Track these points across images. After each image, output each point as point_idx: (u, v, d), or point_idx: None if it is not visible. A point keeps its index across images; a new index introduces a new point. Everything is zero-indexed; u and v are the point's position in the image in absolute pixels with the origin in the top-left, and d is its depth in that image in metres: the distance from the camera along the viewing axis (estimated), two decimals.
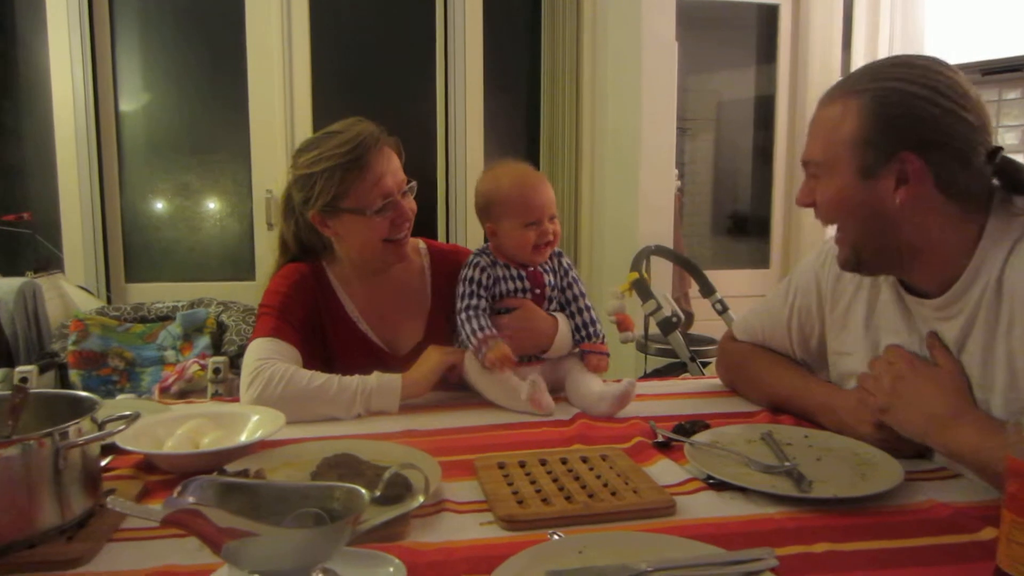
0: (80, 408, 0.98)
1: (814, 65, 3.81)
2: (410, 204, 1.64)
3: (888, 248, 1.18)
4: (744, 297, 4.08)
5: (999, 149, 1.13)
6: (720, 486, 1.10)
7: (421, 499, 0.90)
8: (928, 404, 1.13)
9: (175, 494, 0.76)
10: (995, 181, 1.16)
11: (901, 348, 1.23)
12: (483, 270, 1.61)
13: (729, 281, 3.95)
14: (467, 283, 1.61)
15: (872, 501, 1.05)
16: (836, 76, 3.76)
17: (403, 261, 1.68)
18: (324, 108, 3.49)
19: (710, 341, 3.05)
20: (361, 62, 3.58)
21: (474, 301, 1.59)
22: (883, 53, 3.74)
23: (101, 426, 0.97)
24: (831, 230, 1.28)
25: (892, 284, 1.30)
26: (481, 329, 1.54)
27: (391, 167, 1.60)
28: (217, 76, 3.45)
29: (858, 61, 3.78)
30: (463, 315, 1.58)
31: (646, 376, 2.96)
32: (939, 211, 1.13)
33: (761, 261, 4.15)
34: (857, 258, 1.22)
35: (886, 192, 1.13)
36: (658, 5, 3.42)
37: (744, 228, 4.24)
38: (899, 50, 3.69)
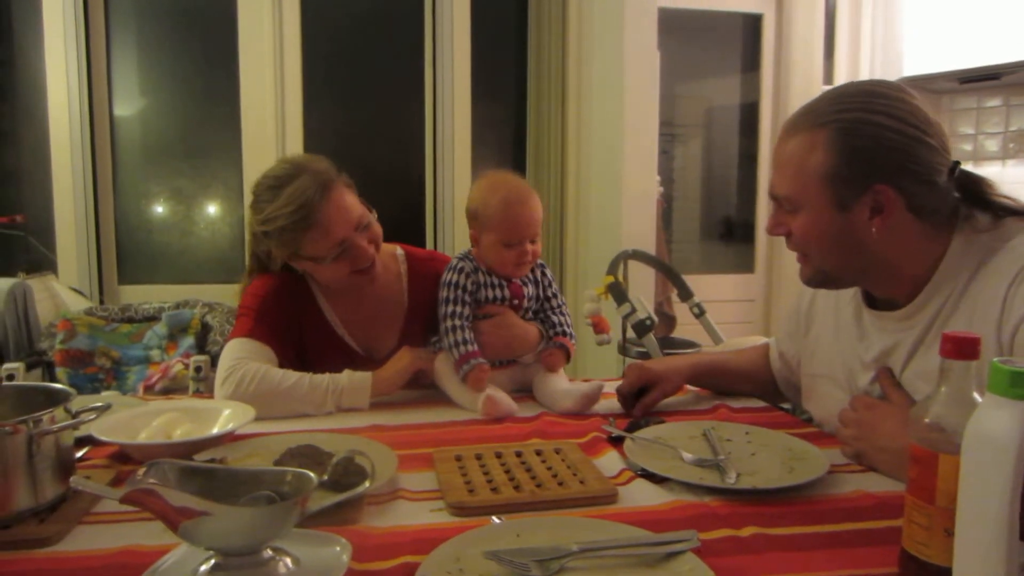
0: (55, 400, 1.05)
1: (797, 73, 3.86)
2: (372, 235, 1.66)
3: (858, 268, 1.23)
4: (729, 302, 4.17)
5: (957, 163, 1.18)
6: (652, 477, 1.16)
7: (367, 484, 0.96)
8: (892, 441, 1.15)
9: (138, 476, 0.83)
10: (956, 194, 1.20)
11: (862, 395, 1.27)
12: (467, 276, 1.65)
13: (715, 285, 4.00)
14: (451, 288, 1.64)
15: (802, 491, 1.11)
16: (818, 84, 3.82)
17: (374, 284, 1.71)
18: (315, 116, 3.56)
19: (690, 344, 3.12)
20: (351, 70, 3.65)
21: (459, 308, 1.63)
22: (864, 63, 3.80)
23: (75, 416, 1.04)
24: None
25: (855, 301, 1.34)
26: (464, 343, 1.59)
27: (342, 212, 1.60)
28: (210, 82, 3.52)
29: (840, 70, 3.85)
30: (447, 323, 1.62)
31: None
32: (910, 232, 1.18)
33: (746, 266, 4.20)
34: (824, 277, 1.26)
35: (861, 221, 1.16)
36: (640, 15, 3.48)
37: (731, 233, 4.29)
38: (880, 59, 3.76)
